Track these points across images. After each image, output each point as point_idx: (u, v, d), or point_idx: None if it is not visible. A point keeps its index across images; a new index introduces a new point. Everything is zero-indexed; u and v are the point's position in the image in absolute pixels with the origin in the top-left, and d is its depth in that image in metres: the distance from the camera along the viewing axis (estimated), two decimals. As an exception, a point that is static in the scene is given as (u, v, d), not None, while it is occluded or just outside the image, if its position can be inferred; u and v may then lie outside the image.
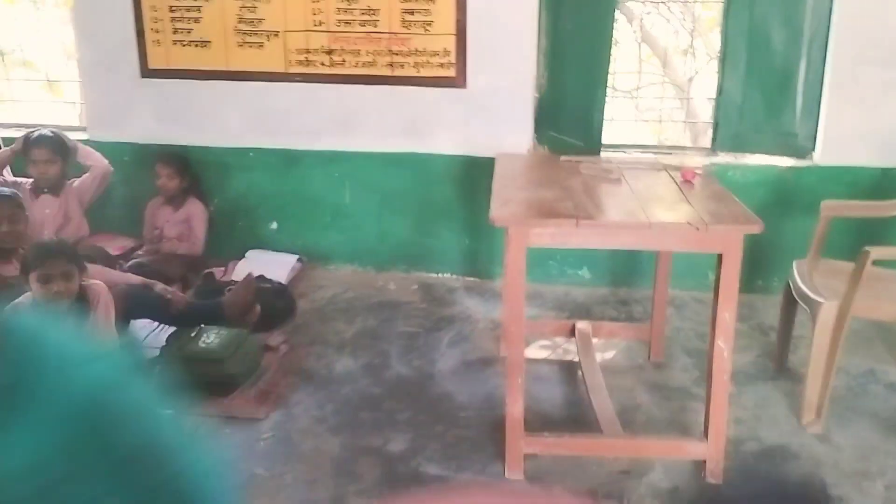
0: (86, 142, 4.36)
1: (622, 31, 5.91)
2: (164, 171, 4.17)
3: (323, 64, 4.12)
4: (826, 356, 2.92)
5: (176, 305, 3.36)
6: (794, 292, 3.12)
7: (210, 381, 3.07)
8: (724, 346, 2.51)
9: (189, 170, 4.23)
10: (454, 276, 4.34)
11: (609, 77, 4.01)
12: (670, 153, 4.17)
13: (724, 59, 4.03)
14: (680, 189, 2.84)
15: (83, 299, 2.74)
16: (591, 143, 3.91)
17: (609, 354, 3.53)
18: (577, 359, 3.35)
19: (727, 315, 2.49)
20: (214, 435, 2.84)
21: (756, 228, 2.43)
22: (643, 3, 5.85)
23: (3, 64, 4.82)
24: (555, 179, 2.98)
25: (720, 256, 2.47)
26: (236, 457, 2.74)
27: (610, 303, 4.10)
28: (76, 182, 4.01)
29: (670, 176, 3.01)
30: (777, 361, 3.42)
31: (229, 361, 3.11)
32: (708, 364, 2.58)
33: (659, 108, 5.15)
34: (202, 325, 3.29)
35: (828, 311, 2.88)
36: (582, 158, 3.31)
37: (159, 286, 3.44)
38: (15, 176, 4.07)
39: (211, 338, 3.18)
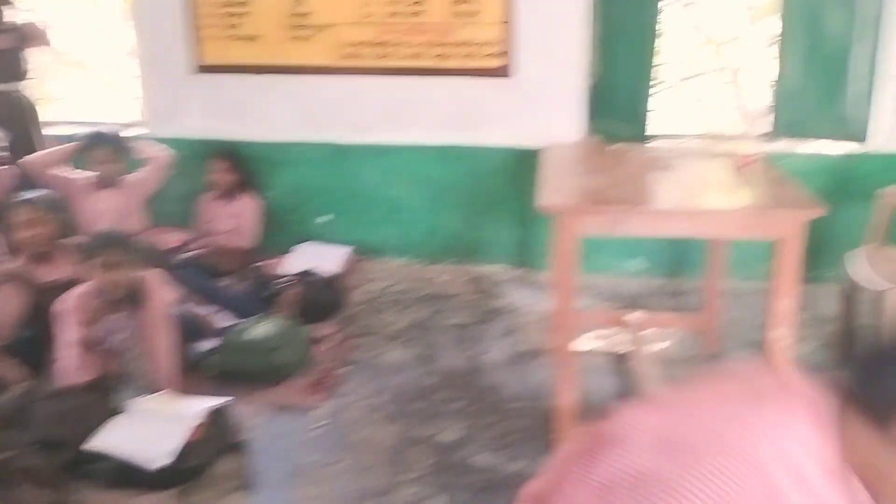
0: (146, 137, 4.45)
1: (676, 19, 5.82)
2: (218, 165, 4.23)
3: (371, 56, 4.13)
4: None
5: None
6: (850, 282, 3.03)
7: (263, 370, 3.10)
8: (785, 335, 2.45)
9: (243, 164, 4.28)
10: (504, 268, 4.32)
11: (655, 65, 3.94)
12: (726, 141, 4.10)
13: (782, 45, 3.94)
14: (736, 175, 2.78)
15: (140, 290, 2.78)
16: (642, 132, 3.85)
17: (662, 345, 3.47)
18: (628, 350, 3.31)
19: (787, 302, 2.43)
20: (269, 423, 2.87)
21: (818, 212, 2.37)
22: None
23: (63, 64, 4.94)
24: (605, 167, 2.94)
25: (778, 242, 2.40)
26: (290, 445, 2.76)
27: (663, 293, 4.03)
28: (136, 176, 4.07)
29: (725, 162, 2.95)
30: (841, 352, 3.32)
31: (282, 350, 3.14)
32: (767, 353, 2.52)
33: (713, 95, 5.05)
34: (258, 316, 3.32)
35: (893, 296, 2.79)
36: (632, 146, 3.26)
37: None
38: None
39: (263, 328, 3.21)
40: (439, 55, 4.08)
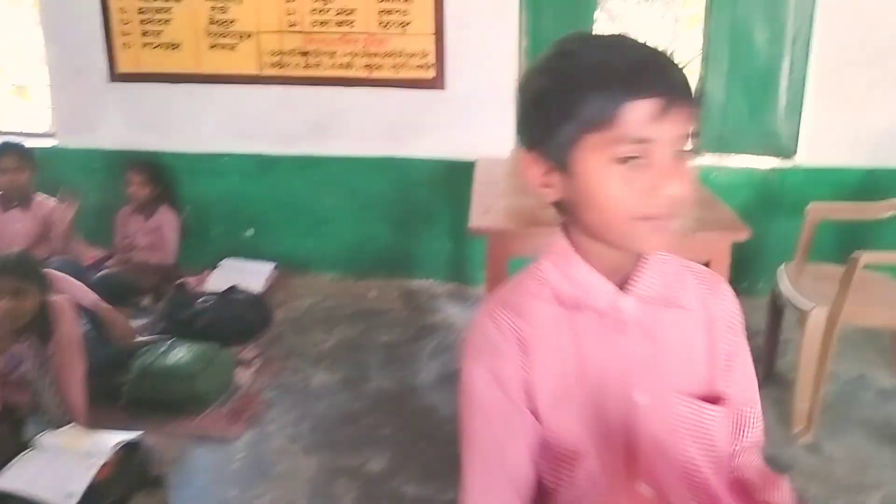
0: (55, 148, 4.24)
1: (605, 30, 5.84)
2: (135, 178, 4.04)
3: (298, 66, 4.01)
4: (816, 363, 2.84)
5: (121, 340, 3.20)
6: (781, 297, 3.05)
7: (180, 398, 2.96)
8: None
9: (161, 177, 4.10)
10: (437, 283, 4.24)
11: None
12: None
13: (706, 59, 3.96)
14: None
15: (47, 317, 2.61)
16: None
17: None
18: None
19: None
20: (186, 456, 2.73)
21: (743, 235, 2.36)
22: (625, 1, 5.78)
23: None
24: (536, 185, 2.88)
25: (706, 265, 2.38)
26: (210, 479, 2.63)
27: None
28: (48, 204, 3.82)
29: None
30: (765, 367, 3.34)
31: (200, 378, 3.00)
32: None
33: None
34: (173, 339, 3.17)
35: (817, 316, 2.80)
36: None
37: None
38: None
39: (181, 353, 3.07)
40: (369, 65, 3.99)
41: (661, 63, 0.93)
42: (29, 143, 4.27)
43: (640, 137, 0.91)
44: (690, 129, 0.95)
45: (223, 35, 4.00)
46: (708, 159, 4.02)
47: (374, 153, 4.08)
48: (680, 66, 0.94)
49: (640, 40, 0.95)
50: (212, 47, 4.03)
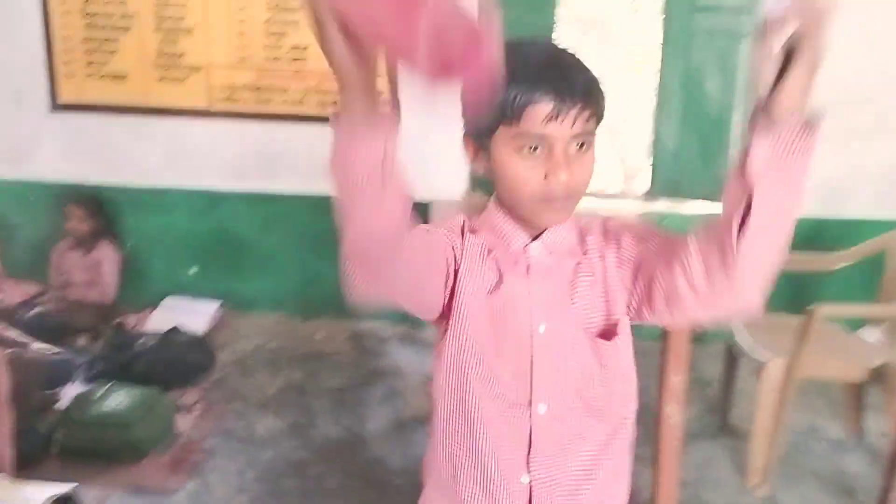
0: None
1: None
2: (74, 212, 3.88)
3: (249, 101, 3.92)
4: (772, 416, 2.82)
5: None
6: (736, 346, 3.03)
7: (117, 447, 2.80)
8: (674, 412, 2.38)
9: (101, 211, 3.95)
10: (386, 324, 4.14)
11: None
12: (604, 200, 4.10)
13: (660, 104, 3.99)
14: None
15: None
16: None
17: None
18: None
19: (676, 379, 2.37)
20: (120, 509, 2.58)
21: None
22: (580, 30, 5.78)
23: None
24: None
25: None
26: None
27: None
28: None
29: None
30: (720, 417, 3.32)
31: (138, 425, 2.84)
32: (656, 430, 2.45)
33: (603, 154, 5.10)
34: (112, 383, 3.02)
35: (774, 368, 2.79)
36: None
37: None
38: None
39: (119, 398, 2.91)
40: (322, 102, 3.91)
41: (560, 68, 1.11)
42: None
43: (538, 134, 1.10)
44: (584, 127, 1.11)
45: (172, 67, 3.89)
46: (661, 205, 4.03)
47: (324, 192, 3.98)
48: (580, 69, 1.12)
49: (553, 46, 1.16)
50: (160, 79, 3.91)
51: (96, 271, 3.93)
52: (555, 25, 3.89)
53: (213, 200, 4.05)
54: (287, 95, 3.90)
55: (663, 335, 2.38)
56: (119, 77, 3.92)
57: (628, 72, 5.25)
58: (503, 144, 1.13)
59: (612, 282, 1.22)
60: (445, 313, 1.22)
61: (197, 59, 3.88)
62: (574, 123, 1.09)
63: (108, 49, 3.88)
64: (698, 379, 3.69)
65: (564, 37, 4.91)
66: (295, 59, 3.85)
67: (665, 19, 3.93)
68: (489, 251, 1.22)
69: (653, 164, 4.06)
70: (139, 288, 4.03)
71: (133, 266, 4.05)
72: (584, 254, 1.23)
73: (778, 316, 3.14)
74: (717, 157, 3.94)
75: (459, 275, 1.22)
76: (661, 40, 3.96)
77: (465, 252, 1.22)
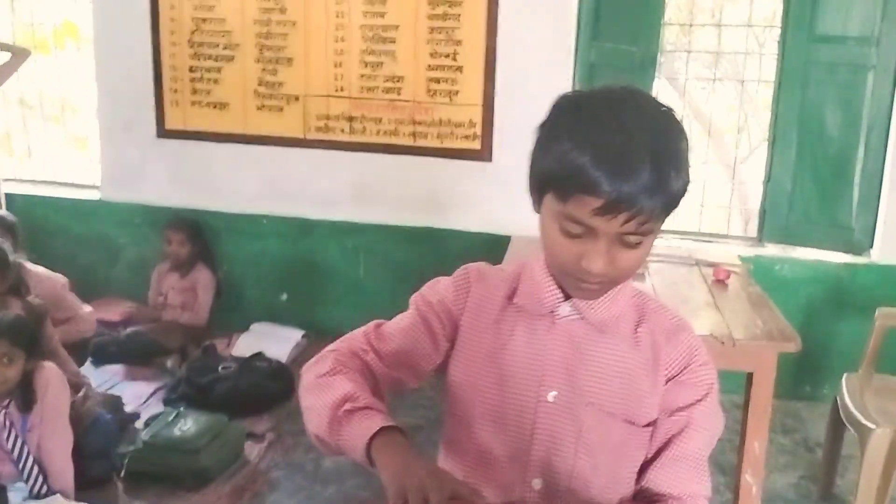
0: (99, 202, 4.24)
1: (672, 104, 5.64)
2: (174, 236, 3.99)
3: (343, 131, 3.92)
4: (877, 490, 2.51)
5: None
6: (842, 412, 2.73)
7: (183, 472, 2.80)
8: (752, 482, 2.14)
9: (200, 236, 4.04)
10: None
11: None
12: (711, 241, 3.84)
13: (773, 142, 3.72)
14: (710, 290, 2.51)
15: (29, 385, 2.48)
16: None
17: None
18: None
19: (757, 445, 2.13)
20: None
21: (792, 347, 2.09)
22: (696, 79, 5.60)
23: (30, 116, 4.77)
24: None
25: (750, 375, 2.12)
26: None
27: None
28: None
29: (702, 273, 2.68)
30: (822, 486, 3.00)
31: (205, 451, 2.83)
32: (737, 501, 2.21)
33: (705, 190, 4.82)
34: (181, 409, 3.04)
35: (880, 439, 2.48)
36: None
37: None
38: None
39: (188, 424, 2.92)
40: (413, 133, 3.87)
41: (630, 153, 0.95)
42: (75, 195, 4.32)
43: (582, 222, 0.98)
44: (641, 228, 0.98)
45: (271, 97, 3.95)
46: (772, 250, 3.74)
47: (413, 223, 3.93)
48: (657, 154, 0.95)
49: (635, 112, 0.98)
50: (259, 108, 3.98)
51: (192, 294, 4.01)
52: (659, 55, 3.70)
53: (304, 228, 4.07)
54: (380, 126, 3.88)
55: (746, 388, 2.14)
56: (221, 105, 4.01)
57: (746, 106, 4.96)
58: (548, 209, 1.03)
59: (645, 386, 1.11)
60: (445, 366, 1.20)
61: (295, 88, 3.92)
62: (628, 223, 0.97)
63: (212, 78, 3.99)
64: (804, 441, 3.38)
65: (668, 68, 4.67)
66: (389, 90, 3.83)
67: (781, 50, 3.65)
68: (512, 300, 1.16)
69: (764, 206, 3.77)
70: (231, 312, 4.08)
71: (227, 290, 4.11)
72: (635, 340, 1.12)
73: (890, 378, 2.82)
74: (834, 201, 3.62)
75: (460, 331, 1.17)
76: (776, 73, 3.69)
77: (467, 307, 1.18)
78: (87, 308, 3.51)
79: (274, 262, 4.15)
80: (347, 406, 1.04)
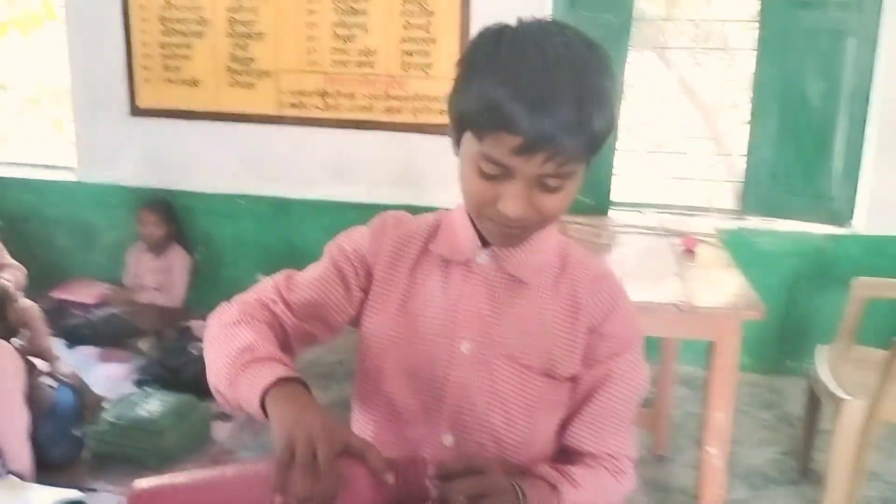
0: (74, 183, 4.19)
1: (662, 81, 5.56)
2: (148, 217, 3.94)
3: (317, 107, 3.86)
4: (851, 463, 2.45)
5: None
6: (817, 383, 2.67)
7: (146, 454, 2.76)
8: (716, 454, 2.09)
9: (174, 217, 3.99)
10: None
11: (620, 126, 3.64)
12: (691, 214, 3.78)
13: (754, 114, 3.63)
14: (677, 260, 2.44)
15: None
16: (600, 201, 3.52)
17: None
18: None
19: (720, 416, 2.07)
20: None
21: (755, 314, 2.02)
22: (683, 49, 5.52)
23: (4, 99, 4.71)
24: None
25: (711, 345, 2.06)
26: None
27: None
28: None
29: (671, 243, 2.61)
30: (800, 461, 2.94)
31: (168, 432, 2.79)
32: (697, 474, 2.16)
33: (691, 163, 4.75)
34: (147, 389, 2.99)
35: (853, 411, 2.42)
36: (577, 219, 2.94)
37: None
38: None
39: (153, 405, 2.87)
40: (389, 109, 3.80)
41: (551, 87, 0.88)
42: (50, 176, 4.27)
43: (499, 162, 0.92)
44: (561, 168, 0.92)
45: (243, 73, 3.89)
46: (753, 222, 3.67)
47: (390, 200, 3.86)
48: (581, 91, 0.89)
49: (560, 46, 0.91)
50: (231, 85, 3.92)
51: (167, 276, 3.97)
52: (631, 24, 3.61)
53: (281, 208, 4.02)
54: (354, 101, 3.81)
55: (709, 362, 2.09)
56: (193, 82, 3.95)
57: (724, 76, 4.87)
58: (466, 150, 0.97)
59: (565, 338, 1.05)
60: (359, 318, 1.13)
61: (266, 63, 3.85)
62: (547, 163, 0.91)
63: (183, 54, 3.93)
64: (785, 416, 3.32)
65: (644, 39, 4.57)
66: (362, 64, 3.76)
67: (761, 16, 3.56)
68: (429, 248, 1.11)
69: (746, 178, 3.69)
70: (208, 293, 4.02)
71: (203, 271, 4.06)
72: (556, 290, 1.06)
73: (870, 350, 2.75)
74: (816, 172, 3.55)
75: (374, 281, 1.11)
76: (757, 40, 3.60)
77: (381, 255, 1.12)
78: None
79: (251, 242, 4.10)
80: (247, 356, 0.98)
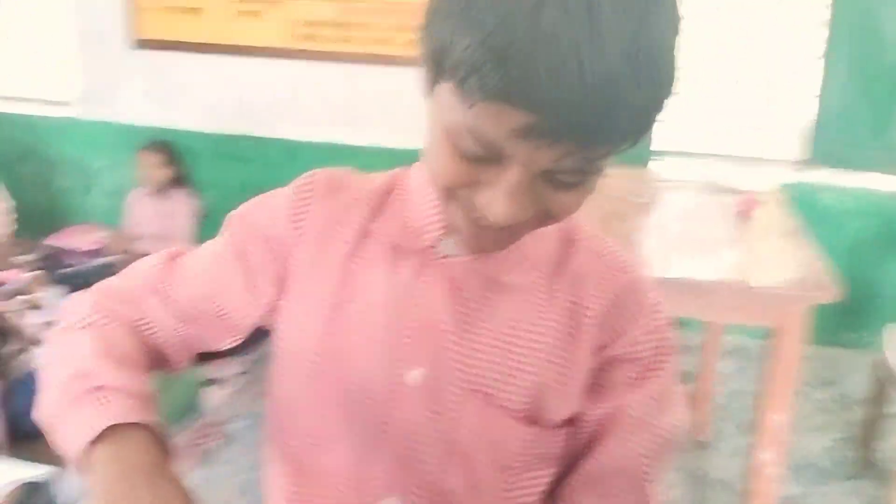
0: (73, 120, 3.90)
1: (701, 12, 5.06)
2: (151, 158, 3.62)
3: (330, 39, 3.49)
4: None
5: None
6: (885, 366, 2.30)
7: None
8: (770, 461, 1.75)
9: (178, 159, 3.68)
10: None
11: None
12: (747, 166, 3.37)
13: (828, 57, 3.20)
14: (731, 225, 2.07)
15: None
16: (638, 150, 3.12)
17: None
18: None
19: (777, 418, 1.72)
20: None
21: (828, 296, 1.65)
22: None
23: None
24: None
25: (771, 333, 1.70)
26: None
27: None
28: None
29: (723, 204, 2.23)
30: (860, 451, 2.59)
31: (151, 401, 2.53)
32: (748, 480, 1.82)
33: (741, 107, 4.29)
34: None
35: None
36: (616, 172, 2.55)
37: None
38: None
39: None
40: (410, 42, 3.42)
41: (585, 58, 0.52)
42: (47, 112, 3.99)
43: (493, 144, 0.58)
44: (579, 164, 0.59)
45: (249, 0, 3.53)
46: (819, 175, 3.26)
47: (407, 146, 3.51)
48: (628, 63, 0.53)
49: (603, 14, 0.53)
50: (237, 13, 3.56)
51: (170, 221, 3.68)
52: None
53: (290, 151, 3.69)
54: (371, 33, 3.43)
55: (766, 346, 1.73)
56: (195, 10, 3.60)
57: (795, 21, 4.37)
58: (443, 106, 0.61)
59: (559, 364, 0.72)
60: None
61: (275, -11, 3.49)
62: (568, 157, 0.58)
63: (184, -22, 3.57)
64: (841, 397, 2.96)
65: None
66: (379, -10, 3.38)
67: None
68: (370, 230, 0.76)
69: (815, 127, 3.27)
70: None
71: (208, 216, 3.77)
72: (551, 294, 0.73)
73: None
74: (891, 122, 3.12)
75: (293, 270, 0.78)
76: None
77: (305, 232, 0.78)
78: None
79: (258, 187, 3.78)
80: (79, 385, 0.70)
